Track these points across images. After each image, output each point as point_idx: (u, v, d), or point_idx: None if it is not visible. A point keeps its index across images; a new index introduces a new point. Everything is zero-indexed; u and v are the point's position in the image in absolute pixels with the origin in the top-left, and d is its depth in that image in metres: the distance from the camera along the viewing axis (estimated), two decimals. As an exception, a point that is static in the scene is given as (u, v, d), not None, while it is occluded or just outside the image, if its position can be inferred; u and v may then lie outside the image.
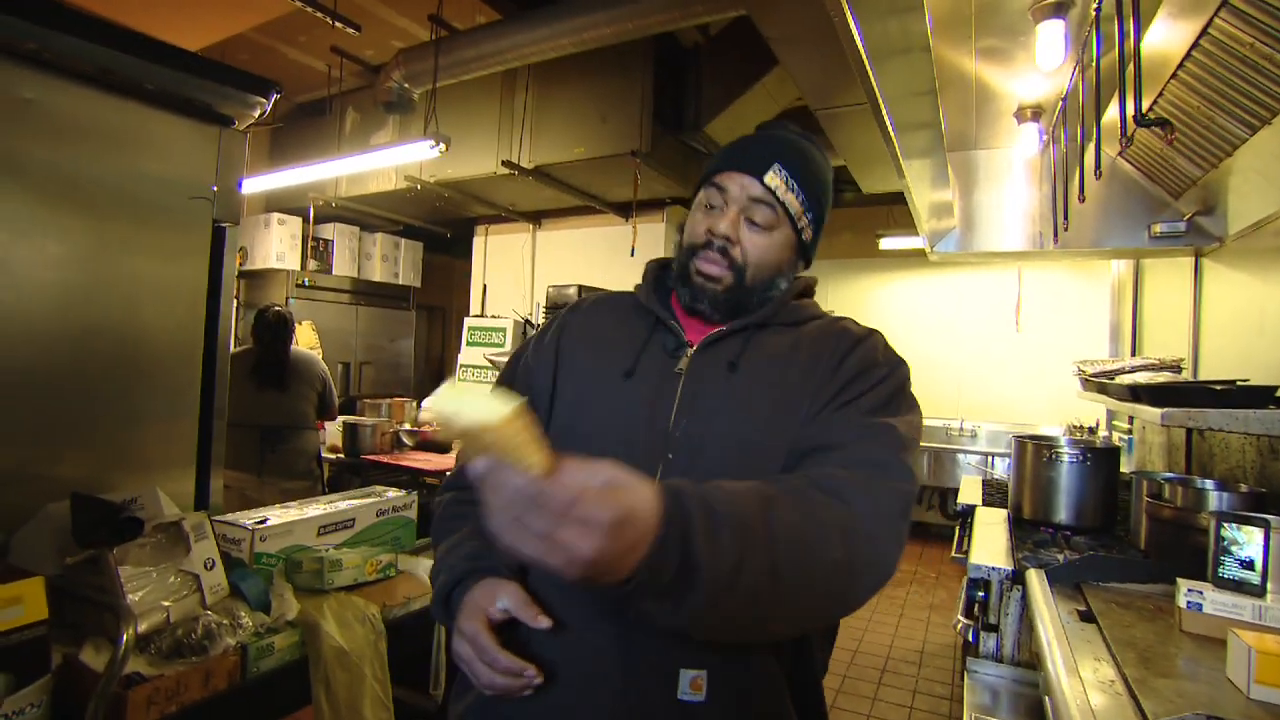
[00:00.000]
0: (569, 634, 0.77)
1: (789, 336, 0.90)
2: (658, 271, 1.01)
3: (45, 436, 1.48)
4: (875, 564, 0.71)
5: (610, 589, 0.55)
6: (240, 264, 5.79)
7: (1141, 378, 2.00)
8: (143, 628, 1.18)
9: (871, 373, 0.85)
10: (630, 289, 1.03)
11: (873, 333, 0.93)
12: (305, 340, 5.47)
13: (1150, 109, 1.81)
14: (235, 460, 3.18)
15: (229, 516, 1.60)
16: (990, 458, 5.30)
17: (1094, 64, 1.84)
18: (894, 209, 5.86)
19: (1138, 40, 1.44)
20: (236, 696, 1.22)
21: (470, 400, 0.48)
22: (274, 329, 3.22)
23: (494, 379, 1.08)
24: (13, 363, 1.42)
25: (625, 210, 5.42)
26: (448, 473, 1.11)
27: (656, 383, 0.87)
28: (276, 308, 3.29)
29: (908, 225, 5.02)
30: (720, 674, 0.76)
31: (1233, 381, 1.57)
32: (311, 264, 6.02)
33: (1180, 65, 1.65)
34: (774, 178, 0.89)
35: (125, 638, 1.08)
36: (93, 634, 1.19)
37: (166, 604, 1.24)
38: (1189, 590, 1.28)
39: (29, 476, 1.44)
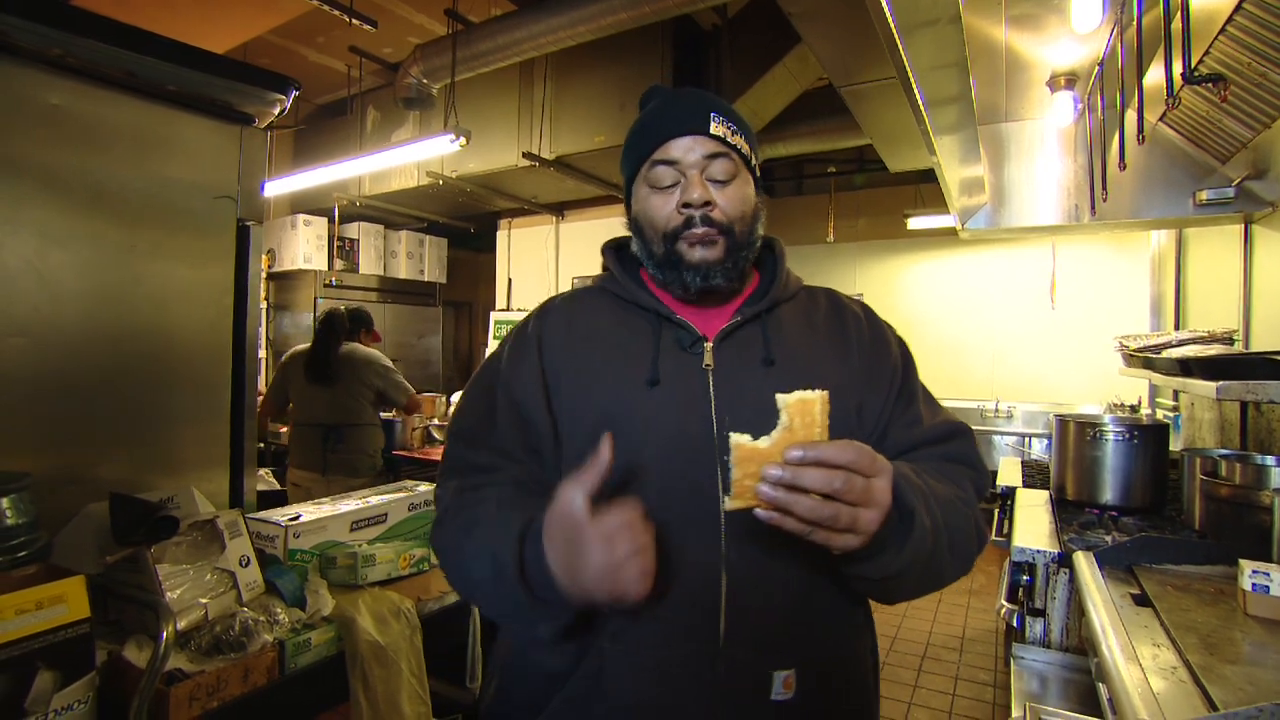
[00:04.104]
0: (652, 669, 0.76)
1: (797, 317, 0.91)
2: (621, 258, 0.94)
3: (84, 439, 1.50)
4: (979, 537, 0.83)
5: (847, 551, 0.67)
6: (268, 266, 5.87)
7: (1191, 351, 1.91)
8: (182, 625, 1.20)
9: (902, 356, 0.94)
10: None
11: (864, 305, 0.98)
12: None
13: (1197, 67, 1.71)
14: (302, 460, 3.26)
15: (262, 513, 1.61)
16: (1027, 438, 5.18)
17: (1135, 22, 1.75)
18: (921, 188, 5.73)
19: (1185, -7, 1.36)
20: (275, 692, 1.23)
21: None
22: (321, 326, 3.31)
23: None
24: (51, 368, 1.44)
25: (647, 199, 5.37)
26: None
27: (685, 384, 0.82)
28: (335, 309, 3.38)
29: (936, 204, 4.91)
30: (806, 668, 0.78)
31: (1294, 352, 1.49)
32: (338, 264, 6.08)
33: (1230, 18, 1.56)
34: (719, 127, 0.85)
35: (165, 635, 1.09)
36: (135, 631, 1.21)
37: (204, 601, 1.25)
38: (1254, 571, 1.22)
39: (70, 478, 1.46)
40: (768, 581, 0.78)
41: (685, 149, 0.84)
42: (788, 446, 0.63)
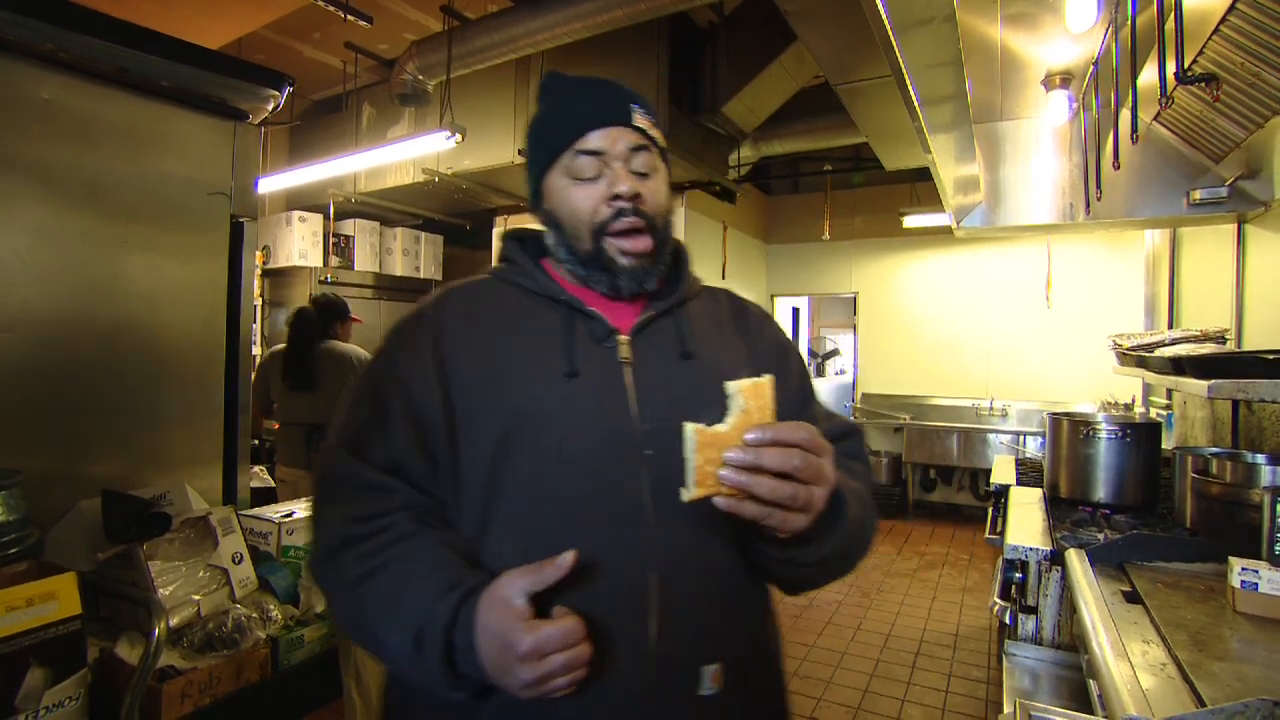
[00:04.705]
0: (583, 681, 0.70)
1: (704, 314, 0.91)
2: (523, 250, 0.90)
3: (76, 435, 1.50)
4: (875, 526, 0.86)
5: (793, 534, 0.69)
6: (263, 263, 5.85)
7: (1184, 349, 1.92)
8: (174, 622, 1.19)
9: (798, 357, 0.97)
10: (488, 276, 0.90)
11: (759, 306, 1.00)
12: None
13: (1190, 67, 1.72)
14: (289, 457, 3.22)
15: (255, 510, 1.61)
16: (1022, 437, 5.19)
17: (1129, 22, 1.76)
18: (917, 186, 5.74)
19: (1178, -7, 1.37)
20: (268, 688, 1.23)
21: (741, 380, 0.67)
22: (293, 329, 3.14)
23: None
24: (43, 363, 1.44)
25: (643, 196, 5.37)
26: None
27: (603, 377, 0.79)
28: (304, 307, 3.20)
29: (932, 202, 4.92)
30: (732, 662, 0.77)
31: (1284, 350, 1.49)
32: (333, 260, 6.06)
33: (1223, 19, 1.57)
34: (640, 118, 0.83)
35: (157, 632, 1.09)
36: (127, 628, 1.20)
37: (196, 598, 1.25)
38: (1243, 569, 1.23)
39: (62, 475, 1.45)
40: (695, 575, 0.77)
41: (610, 140, 0.81)
42: (746, 429, 0.64)
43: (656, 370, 0.81)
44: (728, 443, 0.64)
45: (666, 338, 0.84)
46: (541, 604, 0.67)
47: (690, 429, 0.63)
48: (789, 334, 1.01)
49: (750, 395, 0.65)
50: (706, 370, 0.82)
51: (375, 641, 0.73)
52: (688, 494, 0.64)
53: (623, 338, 0.82)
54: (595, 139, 0.81)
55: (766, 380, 0.67)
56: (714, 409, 0.68)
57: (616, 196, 0.80)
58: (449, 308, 0.86)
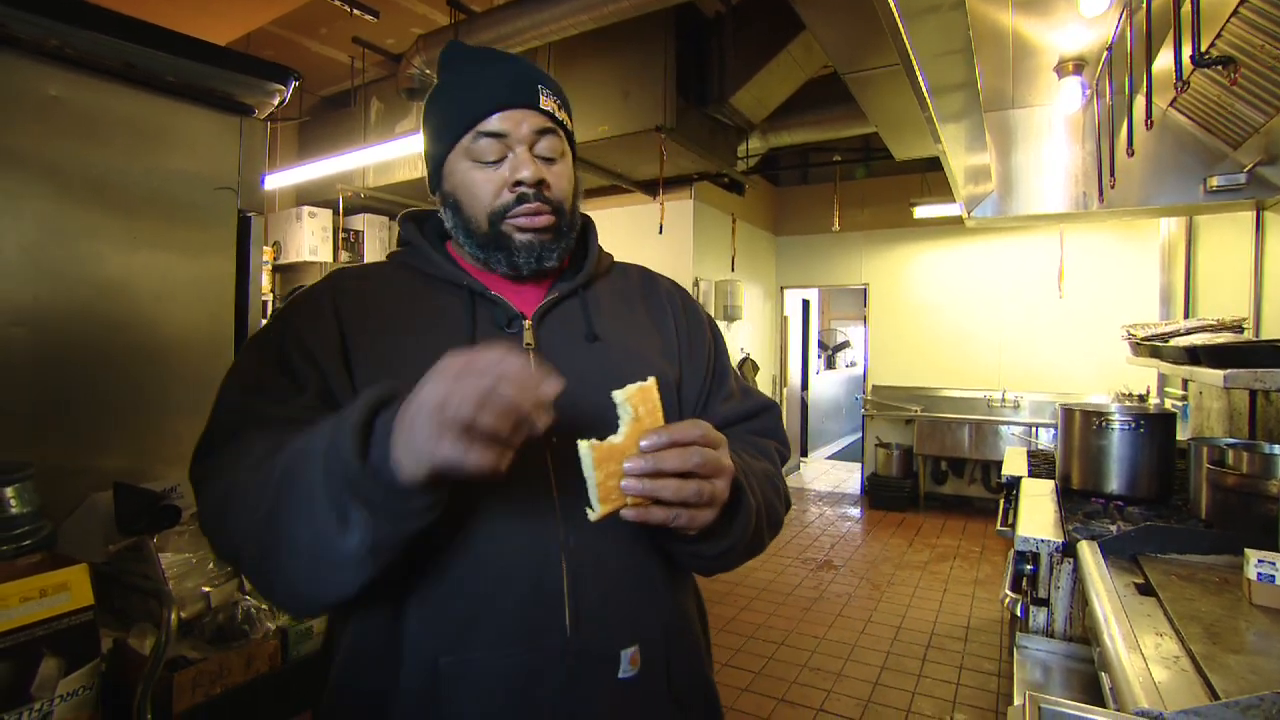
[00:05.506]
0: (496, 680, 0.70)
1: (612, 293, 0.88)
2: (423, 233, 0.87)
3: (87, 429, 1.51)
4: (785, 504, 0.87)
5: (695, 533, 0.68)
6: (274, 258, 5.89)
7: (1200, 339, 1.89)
8: (184, 614, 1.20)
9: (713, 333, 0.95)
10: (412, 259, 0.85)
11: (674, 281, 0.98)
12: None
13: (1207, 50, 1.69)
14: None
15: (266, 503, 1.62)
16: (1034, 428, 5.15)
17: (1144, 5, 1.73)
18: (928, 176, 5.69)
19: (1195, -26, 1.34)
20: (278, 679, 1.24)
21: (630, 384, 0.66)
22: None
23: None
24: (52, 358, 1.45)
25: (652, 188, 5.36)
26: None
27: None
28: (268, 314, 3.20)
29: (942, 192, 4.88)
30: (649, 641, 0.76)
31: (1303, 339, 1.47)
32: (343, 255, 6.09)
33: (1242, 1, 1.54)
34: (548, 101, 0.79)
35: (168, 622, 1.10)
36: (139, 619, 1.22)
37: (206, 589, 1.26)
38: (1259, 561, 1.21)
39: (74, 468, 1.47)
40: (608, 561, 0.75)
41: (514, 122, 0.77)
42: (640, 436, 0.63)
43: (562, 355, 0.78)
44: (625, 453, 0.62)
45: (572, 320, 0.82)
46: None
47: (585, 446, 0.61)
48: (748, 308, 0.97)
49: (639, 401, 0.64)
50: (614, 353, 0.81)
51: (272, 487, 0.61)
52: (594, 514, 0.62)
53: (527, 323, 0.80)
54: (498, 121, 0.77)
55: (651, 383, 0.66)
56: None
57: (519, 182, 0.77)
58: (345, 288, 0.82)
